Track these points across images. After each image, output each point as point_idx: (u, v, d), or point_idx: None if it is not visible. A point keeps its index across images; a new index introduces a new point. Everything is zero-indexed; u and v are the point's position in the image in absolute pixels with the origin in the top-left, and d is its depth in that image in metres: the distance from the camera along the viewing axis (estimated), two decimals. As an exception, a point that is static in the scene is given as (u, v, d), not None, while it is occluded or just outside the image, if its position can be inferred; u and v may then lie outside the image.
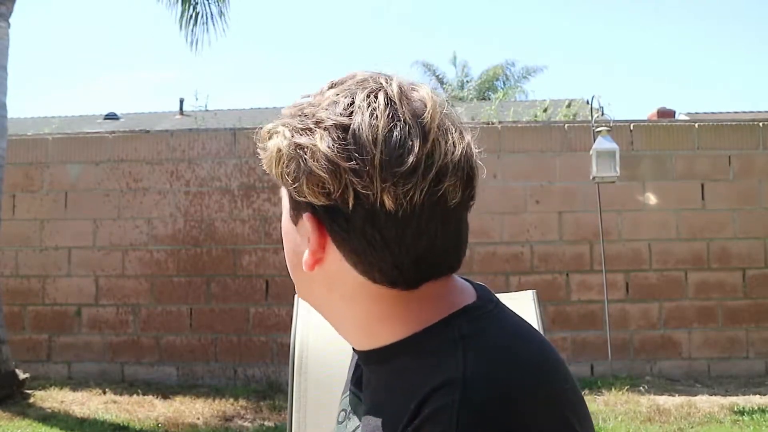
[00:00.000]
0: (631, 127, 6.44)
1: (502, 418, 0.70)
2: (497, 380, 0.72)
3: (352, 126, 0.74)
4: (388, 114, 0.74)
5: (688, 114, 13.29)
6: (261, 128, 0.82)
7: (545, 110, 10.25)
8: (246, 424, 5.12)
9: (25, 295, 6.56)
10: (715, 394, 5.67)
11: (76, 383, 6.19)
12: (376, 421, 0.79)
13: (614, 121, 6.10)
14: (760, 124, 6.50)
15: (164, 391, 5.97)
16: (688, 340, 6.31)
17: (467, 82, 22.81)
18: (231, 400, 5.69)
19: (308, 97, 0.82)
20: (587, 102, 9.25)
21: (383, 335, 0.81)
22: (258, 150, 0.82)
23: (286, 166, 0.77)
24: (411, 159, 0.73)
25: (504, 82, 22.34)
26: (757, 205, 6.36)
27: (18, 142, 6.55)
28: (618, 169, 5.61)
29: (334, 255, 0.78)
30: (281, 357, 6.33)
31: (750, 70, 43.60)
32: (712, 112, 13.86)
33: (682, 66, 45.70)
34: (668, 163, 6.40)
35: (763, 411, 5.08)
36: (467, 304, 0.81)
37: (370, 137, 0.73)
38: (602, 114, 6.05)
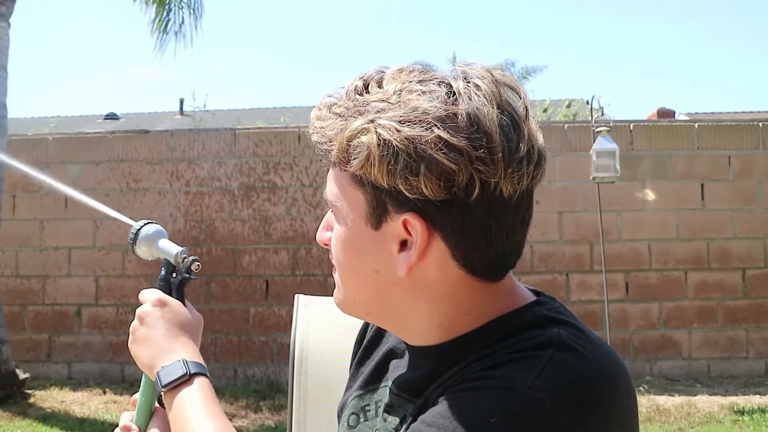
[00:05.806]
0: (631, 127, 6.45)
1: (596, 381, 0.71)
2: (593, 355, 0.74)
3: (466, 113, 0.70)
4: (496, 99, 0.72)
5: (688, 114, 13.30)
6: (329, 133, 0.75)
7: (545, 110, 10.26)
8: (246, 424, 5.12)
9: (25, 295, 6.56)
10: (715, 394, 5.66)
11: (76, 383, 6.19)
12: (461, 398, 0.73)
13: (614, 121, 6.09)
14: (760, 124, 6.50)
15: (164, 391, 5.97)
16: (688, 340, 6.31)
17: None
18: (231, 400, 5.69)
19: (332, 97, 0.77)
20: (587, 102, 9.26)
21: (461, 327, 0.78)
22: (334, 157, 0.75)
23: (394, 163, 0.70)
24: (523, 144, 0.72)
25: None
26: (757, 205, 6.36)
27: (18, 142, 6.54)
28: (618, 169, 5.60)
29: (437, 254, 0.74)
30: (281, 357, 6.33)
31: (750, 70, 43.62)
32: (712, 112, 13.88)
33: (682, 66, 45.69)
34: (668, 163, 6.40)
35: (763, 411, 5.08)
36: (537, 298, 0.82)
37: (488, 124, 0.70)
38: (602, 114, 6.04)
